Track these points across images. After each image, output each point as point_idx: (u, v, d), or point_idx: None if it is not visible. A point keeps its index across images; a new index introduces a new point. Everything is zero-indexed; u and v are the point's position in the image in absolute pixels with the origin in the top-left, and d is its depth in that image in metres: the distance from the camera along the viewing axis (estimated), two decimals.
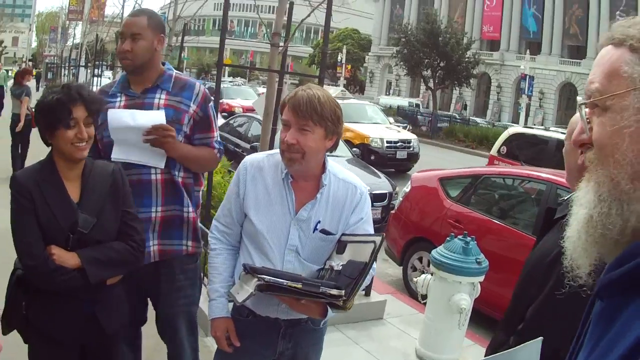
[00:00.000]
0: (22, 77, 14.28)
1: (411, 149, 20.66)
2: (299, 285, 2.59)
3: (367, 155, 18.71)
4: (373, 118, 22.46)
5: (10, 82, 24.32)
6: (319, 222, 2.94)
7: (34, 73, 44.30)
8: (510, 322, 2.47)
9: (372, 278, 5.11)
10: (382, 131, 20.85)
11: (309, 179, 2.97)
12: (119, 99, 3.60)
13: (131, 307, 3.58)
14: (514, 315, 2.47)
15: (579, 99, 1.27)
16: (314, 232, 2.94)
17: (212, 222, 3.23)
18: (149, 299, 3.88)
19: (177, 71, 3.79)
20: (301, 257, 2.95)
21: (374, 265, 2.84)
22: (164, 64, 3.73)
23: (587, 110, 1.24)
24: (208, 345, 5.27)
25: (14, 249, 2.95)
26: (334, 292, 2.57)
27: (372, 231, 3.06)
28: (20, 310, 3.00)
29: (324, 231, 2.95)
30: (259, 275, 2.61)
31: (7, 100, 16.95)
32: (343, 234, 2.98)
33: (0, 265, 3.66)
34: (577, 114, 1.31)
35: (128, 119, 3.43)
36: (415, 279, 5.93)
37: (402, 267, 8.61)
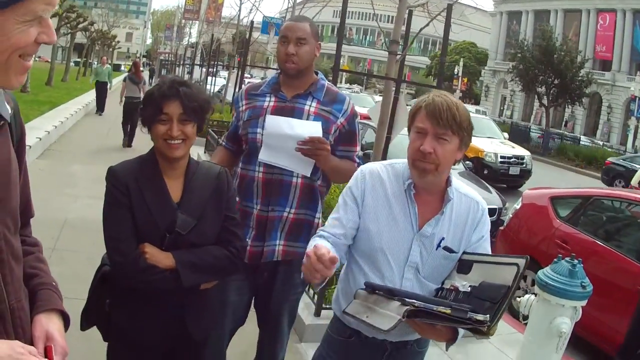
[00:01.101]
0: (139, 69, 16.58)
1: (524, 165, 20.08)
2: (448, 311, 2.28)
3: (480, 169, 18.27)
4: (488, 132, 21.66)
5: (116, 80, 26.38)
6: (443, 238, 2.67)
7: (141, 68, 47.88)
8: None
9: None
10: (497, 146, 20.27)
11: (433, 193, 2.69)
12: (268, 99, 3.54)
13: (243, 308, 3.61)
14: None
15: None
16: (437, 249, 2.66)
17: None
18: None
19: (328, 82, 3.70)
20: (420, 275, 2.67)
21: None
22: (316, 73, 3.65)
23: None
24: (301, 352, 5.19)
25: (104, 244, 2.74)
26: (480, 317, 2.28)
27: (490, 250, 2.78)
28: (103, 307, 2.79)
29: (447, 248, 2.67)
30: (407, 300, 2.32)
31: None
32: (465, 252, 2.70)
33: (89, 258, 3.55)
34: None
35: (285, 127, 3.38)
36: (518, 299, 5.72)
37: None
